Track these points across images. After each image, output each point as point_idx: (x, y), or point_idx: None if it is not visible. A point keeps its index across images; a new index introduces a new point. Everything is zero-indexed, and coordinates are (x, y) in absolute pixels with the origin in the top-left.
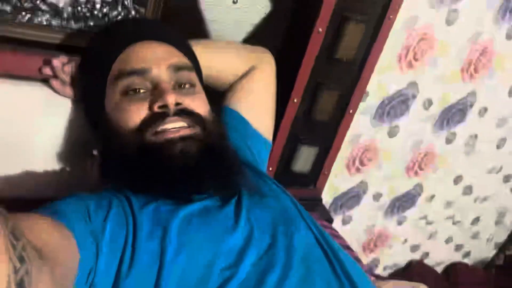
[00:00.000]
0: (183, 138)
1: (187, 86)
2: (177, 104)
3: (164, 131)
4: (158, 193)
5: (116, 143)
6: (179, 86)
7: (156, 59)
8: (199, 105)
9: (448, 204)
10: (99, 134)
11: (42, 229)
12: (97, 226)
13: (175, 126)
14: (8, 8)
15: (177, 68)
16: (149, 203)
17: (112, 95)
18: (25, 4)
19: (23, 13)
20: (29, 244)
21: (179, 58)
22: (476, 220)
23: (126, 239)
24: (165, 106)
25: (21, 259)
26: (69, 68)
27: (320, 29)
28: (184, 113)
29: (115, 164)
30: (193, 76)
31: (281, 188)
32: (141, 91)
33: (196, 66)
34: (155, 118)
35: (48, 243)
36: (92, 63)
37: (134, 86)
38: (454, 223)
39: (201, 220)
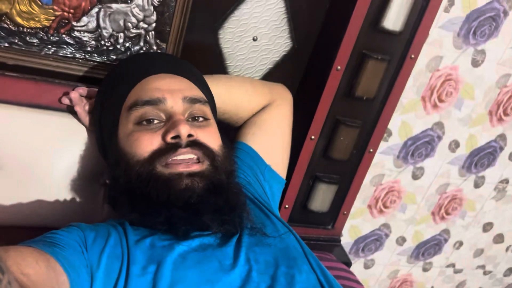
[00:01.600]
0: (190, 175)
1: (200, 119)
2: (190, 135)
3: (174, 162)
4: (156, 227)
5: (125, 172)
6: (192, 119)
7: (171, 90)
8: (211, 139)
9: (478, 252)
10: (110, 164)
11: (28, 264)
12: (93, 257)
13: (185, 158)
14: (35, 41)
15: (191, 101)
16: (146, 237)
17: (125, 124)
18: (51, 38)
19: (49, 46)
20: (14, 280)
21: (193, 91)
22: (509, 271)
23: (120, 272)
24: (178, 137)
25: None
26: (87, 99)
27: (339, 67)
28: (195, 145)
29: (121, 192)
30: (206, 109)
31: (287, 227)
32: (155, 121)
33: (210, 100)
34: (168, 148)
35: (34, 279)
36: (109, 93)
37: (148, 116)
38: (485, 273)
39: (197, 257)
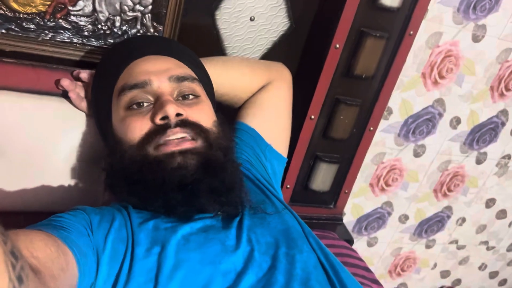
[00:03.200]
0: (182, 152)
1: (190, 97)
2: (178, 115)
3: (166, 143)
4: (157, 210)
5: (120, 157)
6: (182, 97)
7: (157, 71)
8: (202, 116)
9: (481, 228)
10: (107, 149)
11: (38, 247)
12: (99, 240)
13: (176, 137)
14: (32, 27)
15: (178, 79)
16: (149, 220)
17: (117, 109)
18: (48, 23)
19: (46, 31)
20: (27, 264)
21: (180, 69)
22: None
23: (125, 255)
24: (166, 117)
25: (20, 279)
26: (83, 83)
27: (338, 45)
28: (186, 124)
29: (118, 178)
30: (196, 86)
31: (287, 207)
32: (144, 104)
33: (202, 77)
34: (157, 130)
35: (44, 262)
36: (101, 79)
37: (137, 99)
38: (488, 249)
39: (200, 239)
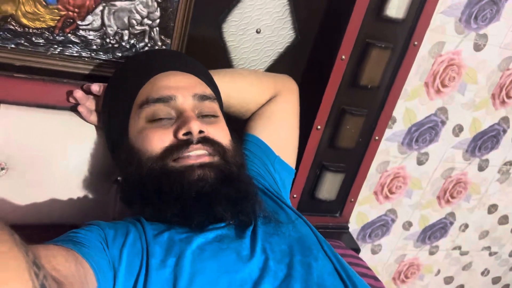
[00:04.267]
0: (202, 166)
1: (209, 116)
2: (201, 132)
3: (186, 157)
4: (173, 221)
5: (137, 169)
6: (202, 116)
7: (181, 88)
8: (221, 135)
9: (483, 234)
10: (119, 161)
11: (59, 262)
12: (115, 254)
13: (197, 154)
14: (41, 41)
15: (201, 98)
16: (163, 232)
17: (136, 121)
18: (57, 37)
19: (55, 45)
20: (49, 274)
21: (203, 88)
22: None
23: (140, 267)
24: (189, 133)
25: None
26: (95, 96)
27: (343, 56)
28: (206, 141)
29: (134, 191)
30: (216, 106)
31: (300, 216)
32: (166, 119)
33: (218, 97)
34: (179, 145)
35: (65, 274)
36: (119, 90)
37: (159, 113)
38: (490, 254)
39: (215, 248)
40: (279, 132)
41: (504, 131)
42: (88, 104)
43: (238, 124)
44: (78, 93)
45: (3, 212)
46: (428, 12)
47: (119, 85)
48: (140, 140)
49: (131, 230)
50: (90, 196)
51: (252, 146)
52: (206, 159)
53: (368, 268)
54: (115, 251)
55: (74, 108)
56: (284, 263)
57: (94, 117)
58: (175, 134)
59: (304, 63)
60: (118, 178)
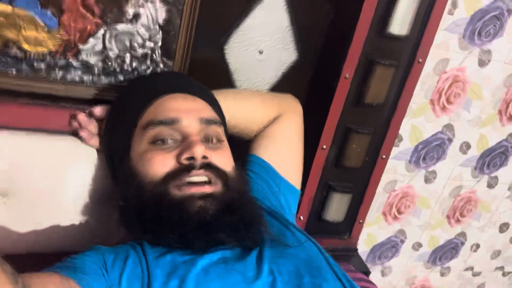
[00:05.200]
0: (203, 196)
1: (214, 141)
2: (204, 157)
3: (187, 184)
4: (173, 245)
5: (137, 192)
6: (206, 140)
7: (186, 110)
8: (225, 161)
9: (495, 253)
10: (120, 184)
11: None
12: (114, 279)
13: (199, 180)
14: (42, 66)
15: (207, 122)
16: (166, 254)
17: (139, 143)
18: (58, 62)
19: (57, 70)
20: None
21: (209, 112)
22: None
23: None
24: (192, 158)
25: None
26: (96, 120)
27: (347, 74)
28: (209, 167)
29: (132, 213)
30: (221, 131)
31: (308, 237)
32: (169, 141)
33: (223, 121)
34: (181, 170)
35: None
36: (122, 112)
37: (163, 135)
38: (504, 275)
39: (220, 271)
40: (283, 153)
41: None
42: (90, 128)
43: (242, 145)
44: (81, 116)
45: (3, 240)
46: (431, 28)
47: (123, 107)
48: (142, 162)
49: (130, 254)
50: (92, 221)
51: (256, 167)
52: (208, 189)
53: None
54: (114, 276)
55: (75, 133)
56: (293, 285)
57: (95, 141)
58: (178, 158)
59: (307, 82)
60: (120, 203)
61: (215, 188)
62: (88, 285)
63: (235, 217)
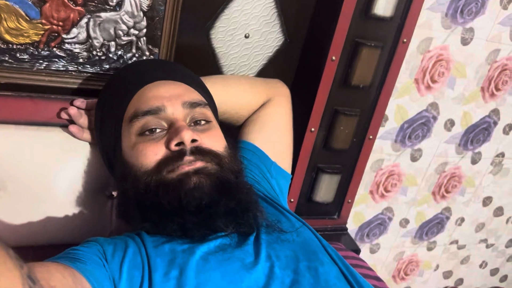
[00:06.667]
0: (197, 171)
1: (202, 122)
2: (194, 141)
3: (179, 166)
4: (172, 233)
5: (132, 183)
6: (194, 123)
7: (170, 97)
8: (215, 142)
9: (479, 226)
10: (115, 176)
11: (56, 278)
12: (115, 269)
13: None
14: (25, 57)
15: (191, 105)
16: (164, 243)
17: (128, 136)
18: (42, 52)
19: (40, 60)
20: None
21: (192, 95)
22: (510, 242)
23: (142, 281)
24: (181, 143)
25: None
26: (86, 112)
27: (334, 57)
28: (200, 152)
29: (131, 205)
30: (207, 112)
31: (302, 221)
32: (157, 130)
33: (210, 102)
34: (173, 157)
35: None
36: (107, 106)
37: (150, 125)
38: (487, 247)
39: (219, 258)
40: (274, 137)
41: (495, 123)
42: (81, 122)
43: (232, 131)
44: (72, 110)
45: None
46: (415, 8)
47: (107, 102)
48: (133, 155)
49: (130, 245)
50: (85, 212)
51: (247, 153)
52: (200, 164)
53: (370, 268)
54: (114, 266)
55: (64, 126)
56: (290, 269)
57: (87, 135)
58: (167, 145)
59: (294, 66)
60: (113, 193)
61: (207, 164)
62: (90, 274)
63: (231, 201)
